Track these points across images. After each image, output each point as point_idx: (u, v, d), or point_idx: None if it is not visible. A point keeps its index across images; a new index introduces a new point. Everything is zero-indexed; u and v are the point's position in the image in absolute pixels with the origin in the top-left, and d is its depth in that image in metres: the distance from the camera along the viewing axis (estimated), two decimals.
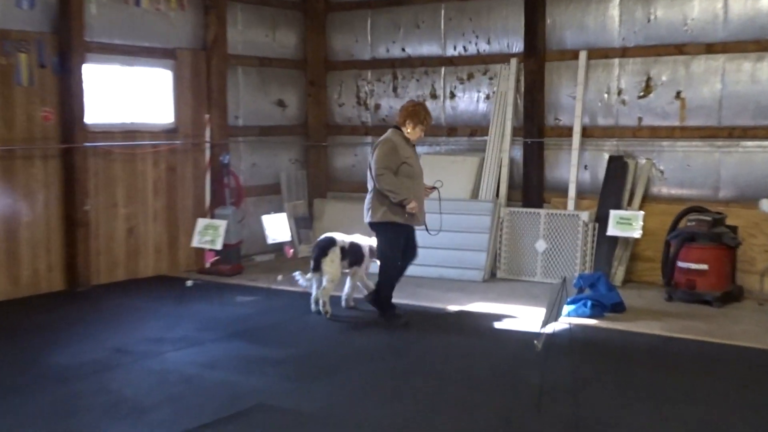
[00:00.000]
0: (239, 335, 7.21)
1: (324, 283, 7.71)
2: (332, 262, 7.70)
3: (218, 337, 7.15)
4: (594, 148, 9.87)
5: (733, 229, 8.52)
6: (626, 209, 9.22)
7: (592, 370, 6.15)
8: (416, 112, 7.52)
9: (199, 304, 8.38)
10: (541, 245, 9.59)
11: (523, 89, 10.13)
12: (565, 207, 9.78)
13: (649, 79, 9.47)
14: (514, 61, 10.23)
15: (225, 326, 7.49)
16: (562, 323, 7.23)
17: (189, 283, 9.19)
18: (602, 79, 9.77)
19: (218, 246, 8.72)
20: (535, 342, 6.49)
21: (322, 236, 7.97)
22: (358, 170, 11.55)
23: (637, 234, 8.86)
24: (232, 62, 10.69)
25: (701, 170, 9.28)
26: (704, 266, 8.28)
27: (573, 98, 9.88)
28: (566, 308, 7.53)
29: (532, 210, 9.79)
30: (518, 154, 10.28)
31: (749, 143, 8.98)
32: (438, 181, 7.84)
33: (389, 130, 7.62)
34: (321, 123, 11.87)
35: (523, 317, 7.74)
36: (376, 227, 7.56)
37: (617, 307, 7.88)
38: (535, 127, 10.07)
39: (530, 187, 10.09)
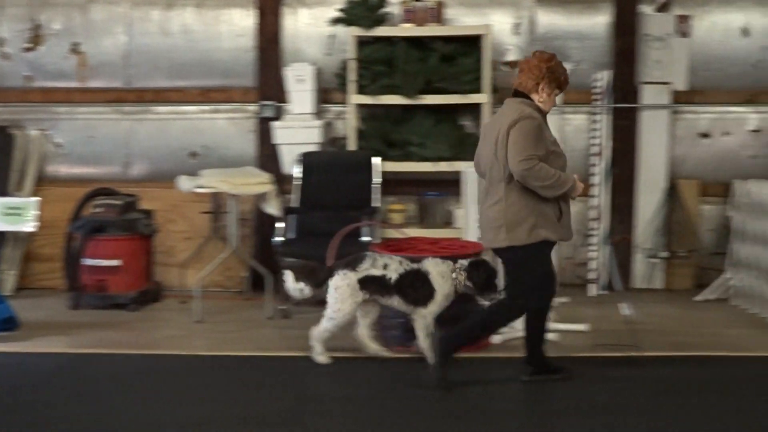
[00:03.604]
0: None
1: None
2: None
3: None
4: None
5: (148, 214, 8.92)
6: (16, 195, 9.16)
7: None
8: (555, 68, 6.07)
9: None
10: None
11: None
12: None
13: (38, 26, 9.59)
14: None
15: None
16: None
17: None
18: None
19: None
20: None
21: None
22: None
23: (30, 227, 8.79)
24: None
25: (108, 143, 9.67)
26: (117, 262, 8.53)
27: None
28: None
29: None
30: None
31: (162, 109, 9.59)
32: None
33: (512, 102, 6.04)
34: None
35: None
36: (514, 253, 6.08)
37: (8, 324, 7.69)
38: None
39: None
